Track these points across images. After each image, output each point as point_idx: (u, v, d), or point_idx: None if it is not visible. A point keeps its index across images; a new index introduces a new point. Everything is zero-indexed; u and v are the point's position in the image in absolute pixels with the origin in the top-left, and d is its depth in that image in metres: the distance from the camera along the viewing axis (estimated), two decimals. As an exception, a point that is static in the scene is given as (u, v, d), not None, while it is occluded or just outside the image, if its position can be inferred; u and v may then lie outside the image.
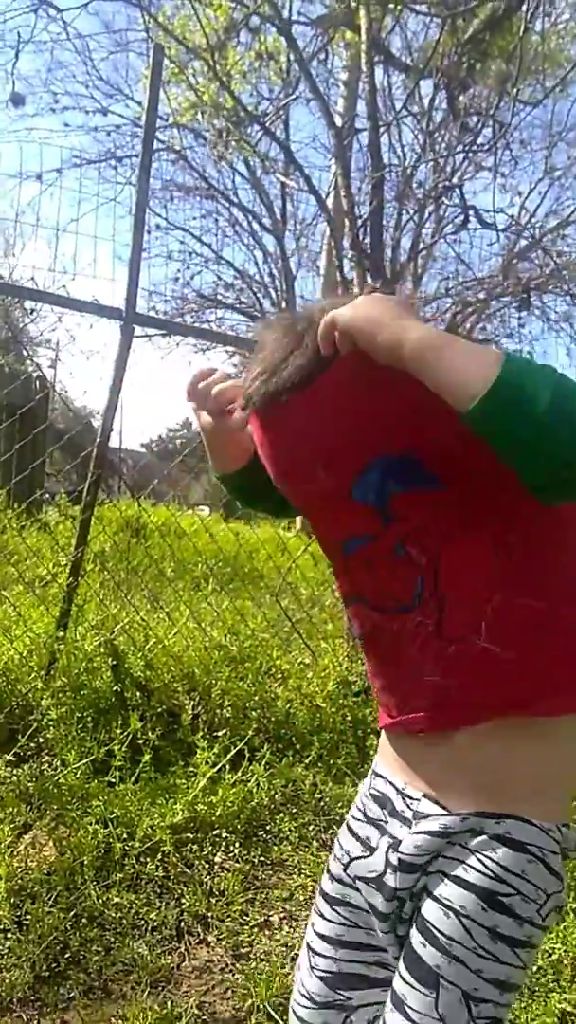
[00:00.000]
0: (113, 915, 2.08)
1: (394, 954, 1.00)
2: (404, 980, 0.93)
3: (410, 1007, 0.91)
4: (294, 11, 5.62)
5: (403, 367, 0.86)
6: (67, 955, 1.93)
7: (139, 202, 3.32)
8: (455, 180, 5.45)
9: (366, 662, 1.07)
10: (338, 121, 5.29)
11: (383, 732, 1.08)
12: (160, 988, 1.88)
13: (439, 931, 0.92)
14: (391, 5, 5.45)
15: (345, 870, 1.07)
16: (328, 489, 0.97)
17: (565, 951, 2.07)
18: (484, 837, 0.92)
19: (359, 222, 4.31)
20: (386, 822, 1.03)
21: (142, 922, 2.09)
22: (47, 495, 7.02)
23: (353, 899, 1.06)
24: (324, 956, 1.06)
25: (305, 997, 1.07)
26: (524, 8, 5.13)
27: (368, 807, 1.08)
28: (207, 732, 2.90)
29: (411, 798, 0.99)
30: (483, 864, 0.91)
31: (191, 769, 2.72)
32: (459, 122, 5.63)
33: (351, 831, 1.09)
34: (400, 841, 0.98)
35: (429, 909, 0.93)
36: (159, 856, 2.34)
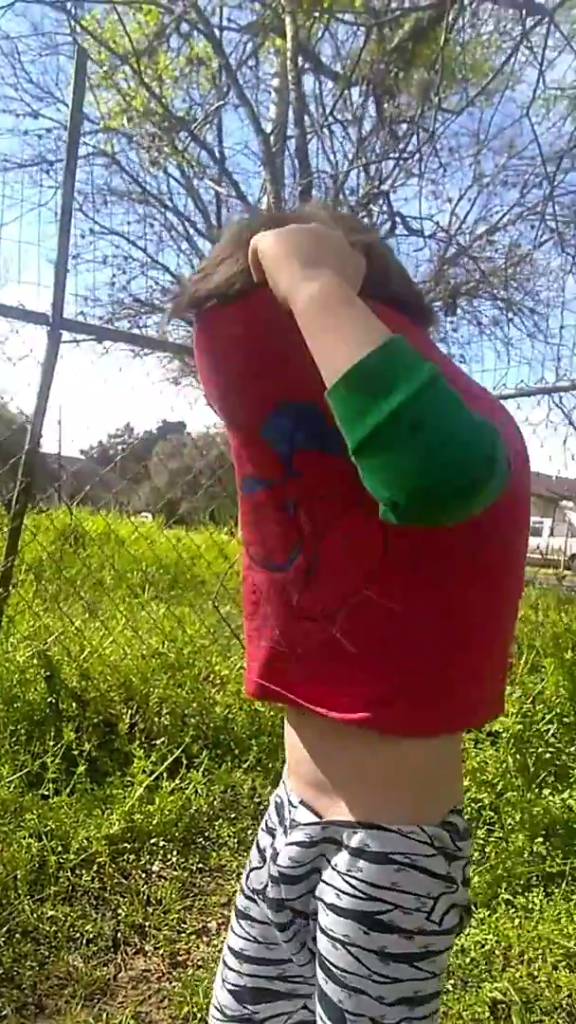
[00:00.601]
0: (47, 929, 2.05)
1: (299, 962, 0.95)
2: (318, 1015, 0.89)
3: None
4: (224, 18, 5.65)
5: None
6: (0, 972, 1.90)
7: (64, 206, 3.28)
8: (385, 187, 5.54)
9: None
10: (267, 127, 5.33)
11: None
12: (96, 1000, 1.86)
13: (332, 965, 0.86)
14: (318, 14, 5.51)
15: (247, 882, 1.04)
16: (239, 418, 0.89)
17: (497, 941, 2.12)
18: (345, 854, 0.86)
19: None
20: (276, 830, 0.99)
21: (77, 935, 2.07)
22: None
23: (253, 912, 1.02)
24: (232, 970, 1.04)
25: (218, 1010, 1.05)
26: (447, 18, 5.24)
27: (269, 815, 1.04)
28: (144, 741, 2.89)
29: (292, 805, 0.95)
30: (350, 886, 0.84)
31: (128, 779, 2.70)
32: (387, 129, 5.73)
33: (257, 842, 1.05)
34: (276, 852, 0.94)
35: (321, 942, 0.87)
36: (95, 868, 2.32)
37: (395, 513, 0.69)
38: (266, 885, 0.95)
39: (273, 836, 0.99)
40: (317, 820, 0.89)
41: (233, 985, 1.03)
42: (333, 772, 0.88)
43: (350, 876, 0.85)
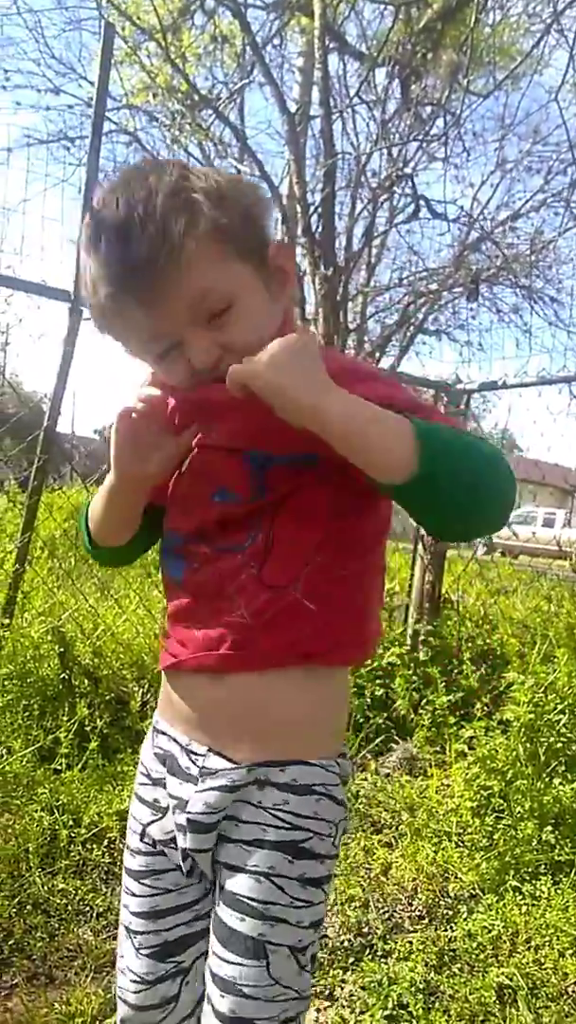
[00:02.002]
0: (58, 901, 2.07)
1: (200, 890, 1.04)
2: (228, 961, 0.92)
3: (243, 984, 0.91)
4: (249, -6, 5.57)
5: (318, 432, 0.84)
6: (11, 942, 1.92)
7: (89, 183, 3.27)
8: (408, 169, 5.47)
9: (175, 599, 1.04)
10: (291, 107, 5.27)
11: (166, 678, 1.07)
12: (104, 973, 1.88)
13: (253, 900, 0.92)
14: (345, -8, 5.43)
15: (142, 839, 1.05)
16: (225, 442, 0.98)
17: (504, 927, 2.13)
18: (272, 790, 0.95)
19: (311, 209, 4.30)
20: (164, 780, 1.02)
21: (87, 908, 2.09)
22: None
23: (157, 865, 1.04)
24: (146, 932, 1.04)
25: (135, 982, 1.04)
26: (476, 0, 5.16)
27: (152, 768, 1.06)
28: (156, 719, 2.90)
29: (196, 754, 0.98)
30: (278, 819, 0.94)
31: (139, 756, 2.71)
32: (412, 111, 5.65)
33: (140, 798, 1.07)
34: (186, 800, 0.97)
35: (236, 883, 0.93)
36: (105, 842, 2.34)
37: (442, 535, 1.06)
38: (170, 835, 1.01)
39: (163, 787, 1.03)
40: (237, 764, 0.95)
41: (151, 947, 1.03)
42: (261, 719, 0.97)
43: (277, 810, 0.94)
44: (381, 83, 6.02)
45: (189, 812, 0.96)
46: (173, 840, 1.00)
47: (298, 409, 0.84)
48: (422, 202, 5.43)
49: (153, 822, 1.04)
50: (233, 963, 0.92)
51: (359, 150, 5.44)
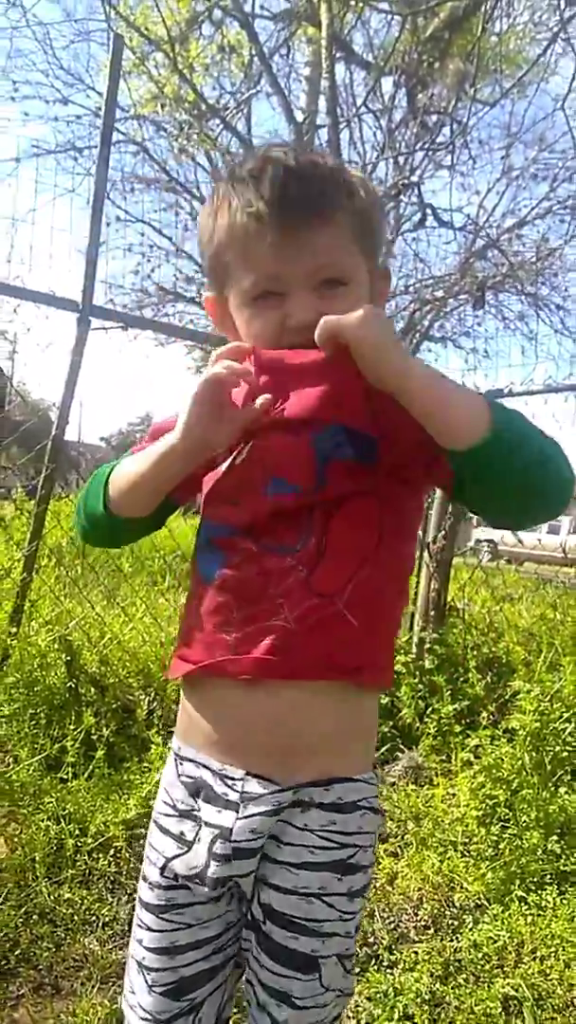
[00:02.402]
0: (64, 911, 2.08)
1: (222, 924, 1.00)
2: (279, 975, 0.95)
3: (297, 997, 0.95)
4: (257, 5, 5.61)
5: (397, 396, 0.87)
6: (17, 952, 1.93)
7: (97, 193, 3.30)
8: (414, 178, 5.50)
9: (204, 599, 0.99)
10: (298, 116, 5.30)
11: (188, 692, 1.03)
12: (110, 984, 1.88)
13: (305, 920, 0.94)
14: (352, 2, 5.47)
15: (162, 873, 1.00)
16: (295, 423, 0.94)
17: (510, 937, 2.13)
18: (316, 811, 0.95)
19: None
20: (199, 810, 0.97)
21: (94, 918, 2.09)
22: (3, 489, 6.92)
23: (179, 899, 0.99)
24: (162, 970, 0.99)
25: (146, 1020, 1.00)
26: (483, 9, 5.18)
27: (178, 799, 1.01)
28: (162, 728, 2.91)
29: (232, 779, 0.95)
30: (325, 840, 0.95)
31: (145, 765, 2.72)
32: (419, 120, 5.68)
33: (163, 829, 1.02)
34: (229, 829, 0.93)
35: (286, 903, 0.94)
36: (112, 852, 2.34)
37: (501, 511, 0.96)
38: (203, 867, 0.95)
39: (193, 819, 0.98)
40: (281, 787, 0.93)
41: (166, 985, 0.99)
42: (300, 735, 0.94)
43: (324, 831, 0.95)
44: (388, 92, 6.05)
45: (234, 841, 0.93)
46: (199, 875, 0.95)
47: (389, 364, 0.86)
48: (428, 210, 5.45)
49: (177, 856, 0.98)
50: (287, 976, 0.95)
51: (365, 159, 5.47)
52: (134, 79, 5.81)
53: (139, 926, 1.02)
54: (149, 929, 1.00)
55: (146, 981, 1.00)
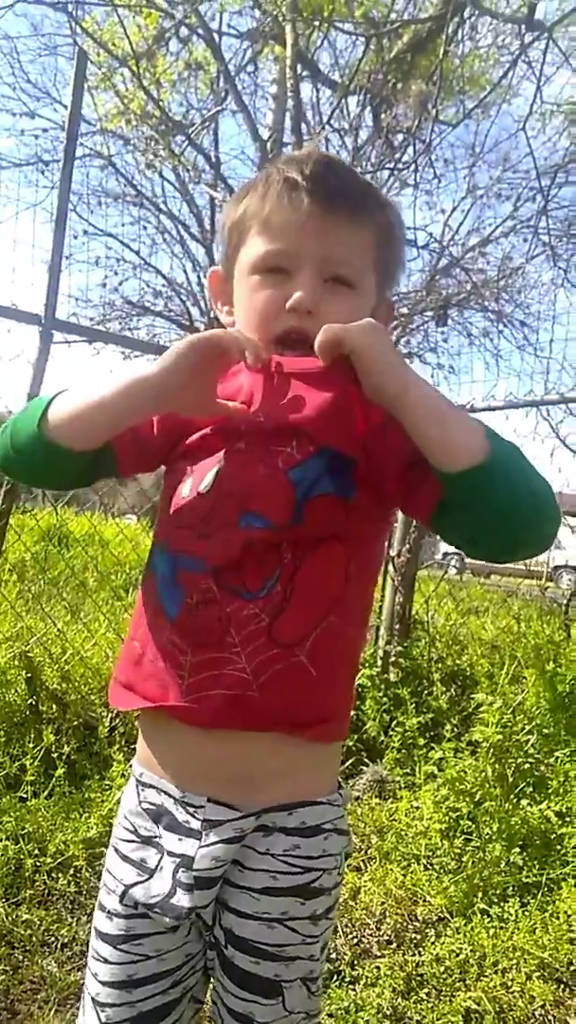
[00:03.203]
0: (22, 932, 2.04)
1: (181, 956, 0.97)
2: (242, 999, 0.93)
3: (259, 1022, 0.94)
4: (223, 23, 5.67)
5: (394, 408, 0.85)
6: (-28, 976, 1.89)
7: (60, 206, 3.29)
8: (379, 196, 5.56)
9: (166, 635, 0.94)
10: (264, 134, 5.34)
11: (144, 722, 1.00)
12: (68, 1006, 1.85)
13: (267, 944, 0.92)
14: (317, 22, 5.54)
15: (121, 900, 0.96)
16: (274, 456, 0.91)
17: (471, 951, 2.13)
18: (279, 835, 0.93)
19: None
20: (160, 837, 0.95)
21: (52, 939, 2.06)
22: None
23: (138, 929, 0.95)
24: (117, 1005, 0.95)
25: None
26: (446, 32, 5.27)
27: (140, 825, 0.98)
28: (124, 744, 2.88)
29: (194, 806, 0.92)
30: (288, 864, 0.92)
31: (107, 782, 2.69)
32: (383, 139, 5.75)
33: (123, 856, 0.98)
34: (191, 857, 0.91)
35: (247, 929, 0.92)
36: (72, 871, 2.31)
37: (490, 542, 0.88)
38: (165, 896, 0.92)
39: (154, 846, 0.96)
40: (242, 813, 0.91)
41: (120, 1021, 0.95)
42: (260, 771, 0.93)
43: (287, 855, 0.93)
44: (353, 111, 6.12)
45: (196, 870, 0.90)
46: (160, 904, 0.92)
47: (390, 374, 0.85)
48: (392, 228, 5.51)
49: (137, 883, 0.95)
50: (249, 1000, 0.93)
51: (331, 176, 5.53)
52: (101, 94, 5.82)
53: (95, 959, 0.97)
54: (106, 961, 0.96)
55: (99, 1018, 0.95)
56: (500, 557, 0.90)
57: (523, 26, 5.34)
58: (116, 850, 0.99)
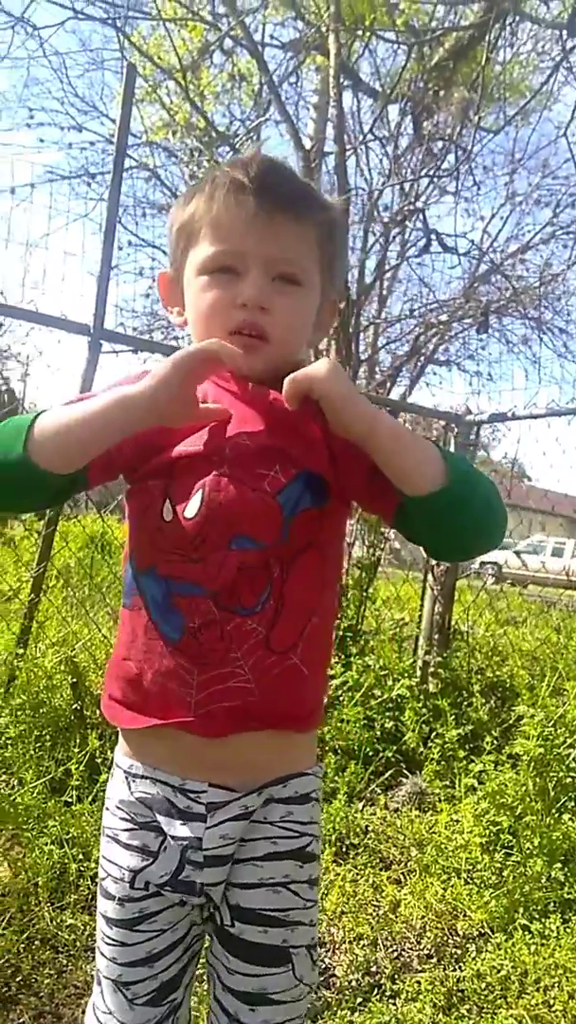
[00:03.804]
0: (67, 937, 2.08)
1: (188, 923, 1.04)
2: (253, 975, 0.99)
3: (274, 992, 0.99)
4: (266, 35, 5.72)
5: (363, 445, 0.92)
6: (19, 979, 1.93)
7: (109, 218, 3.34)
8: (420, 204, 5.56)
9: (168, 659, 0.97)
10: (307, 143, 5.37)
11: (140, 734, 1.02)
12: (113, 1009, 1.88)
13: (273, 911, 0.99)
14: (359, 32, 5.56)
15: (132, 886, 1.01)
16: (259, 480, 0.96)
17: (513, 967, 2.12)
18: (275, 804, 1.01)
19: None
20: (159, 823, 1.00)
21: (95, 944, 2.09)
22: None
23: (151, 907, 1.01)
24: (140, 981, 1.01)
25: None
26: (487, 39, 5.26)
27: (137, 813, 1.02)
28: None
29: (194, 791, 0.98)
30: (285, 830, 1.01)
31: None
32: (424, 147, 5.75)
33: (124, 844, 1.02)
34: (198, 839, 0.97)
35: (254, 898, 0.99)
36: (115, 876, 2.34)
37: (448, 551, 1.11)
38: (173, 875, 0.98)
39: (153, 830, 1.01)
40: (243, 792, 0.98)
41: (147, 994, 1.02)
42: (261, 757, 1.01)
43: (284, 821, 1.00)
44: (394, 119, 6.13)
45: (206, 850, 0.97)
46: (169, 883, 0.99)
47: (357, 414, 0.90)
48: (433, 236, 5.50)
49: (145, 867, 1.00)
50: (260, 975, 0.98)
51: (372, 185, 5.54)
52: (147, 107, 5.91)
53: (110, 944, 1.02)
54: (123, 944, 1.01)
55: (125, 996, 1.01)
56: (454, 560, 1.11)
57: (564, 31, 5.31)
58: (115, 839, 1.04)
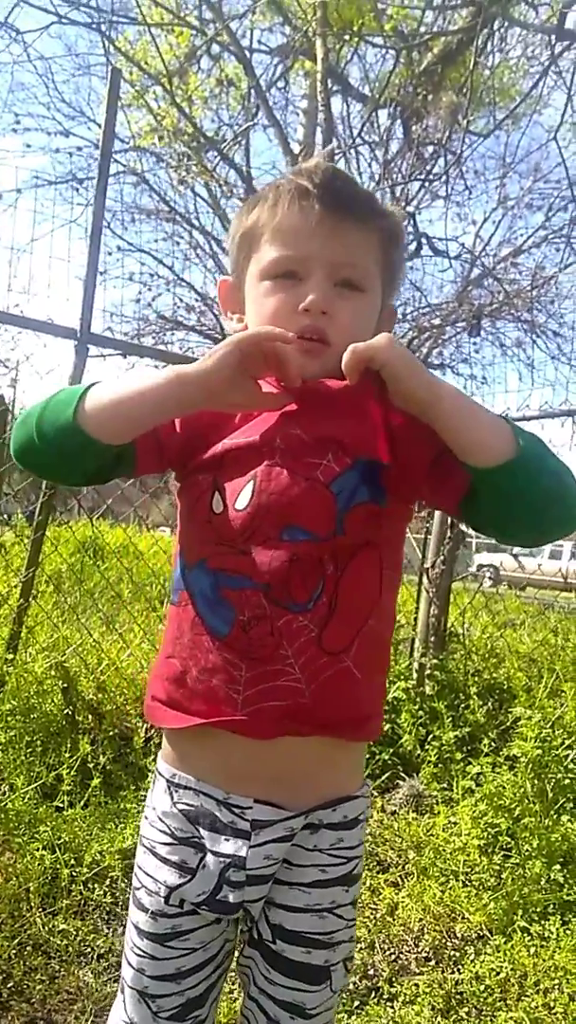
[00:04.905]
0: (59, 943, 2.04)
1: (221, 942, 1.03)
2: (293, 989, 0.99)
3: (311, 1008, 0.99)
4: (254, 40, 5.73)
5: (427, 416, 0.88)
6: (10, 984, 1.89)
7: (95, 223, 3.34)
8: (410, 208, 5.57)
9: (215, 655, 0.95)
10: (295, 148, 5.37)
11: (185, 736, 0.99)
12: (104, 1017, 1.83)
13: (318, 934, 0.98)
14: (347, 37, 5.57)
15: (167, 902, 0.98)
16: (311, 468, 0.94)
17: (512, 969, 2.09)
18: (325, 831, 0.98)
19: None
20: (202, 838, 0.97)
21: (88, 949, 2.06)
22: (4, 515, 6.91)
23: (185, 925, 0.99)
24: (168, 995, 0.99)
25: None
26: (476, 44, 5.27)
27: (176, 827, 0.99)
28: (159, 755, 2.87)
29: (240, 807, 0.95)
30: (335, 857, 0.99)
31: (142, 793, 2.69)
32: (414, 151, 5.76)
33: (162, 859, 1.00)
34: (242, 858, 0.94)
35: (301, 921, 0.98)
36: (107, 882, 2.31)
37: (517, 530, 0.96)
38: (210, 893, 0.96)
39: (193, 846, 0.98)
40: (290, 813, 0.95)
41: (172, 1008, 1.00)
42: (308, 771, 0.97)
43: (334, 849, 0.99)
44: (383, 124, 6.14)
45: (249, 869, 0.94)
46: (206, 902, 0.96)
47: (420, 382, 0.87)
48: (424, 240, 5.51)
49: (182, 885, 0.97)
50: (300, 990, 0.99)
51: (362, 189, 5.54)
52: (134, 111, 5.92)
53: (139, 955, 1.00)
54: (154, 958, 0.99)
55: (151, 1009, 0.99)
56: (529, 542, 0.99)
57: (553, 36, 5.32)
58: (153, 852, 1.01)
